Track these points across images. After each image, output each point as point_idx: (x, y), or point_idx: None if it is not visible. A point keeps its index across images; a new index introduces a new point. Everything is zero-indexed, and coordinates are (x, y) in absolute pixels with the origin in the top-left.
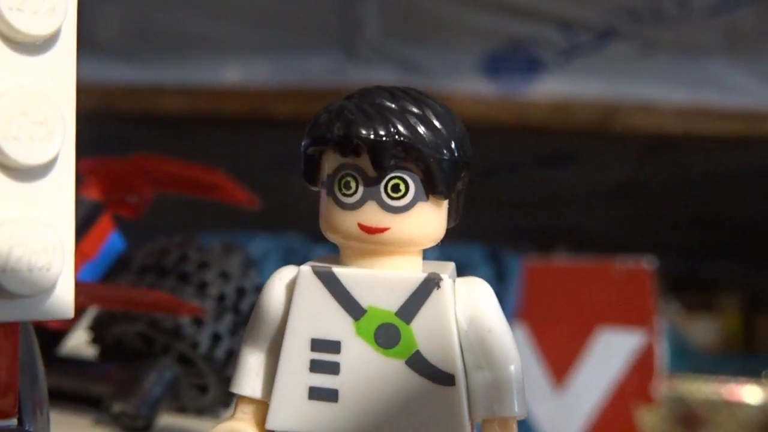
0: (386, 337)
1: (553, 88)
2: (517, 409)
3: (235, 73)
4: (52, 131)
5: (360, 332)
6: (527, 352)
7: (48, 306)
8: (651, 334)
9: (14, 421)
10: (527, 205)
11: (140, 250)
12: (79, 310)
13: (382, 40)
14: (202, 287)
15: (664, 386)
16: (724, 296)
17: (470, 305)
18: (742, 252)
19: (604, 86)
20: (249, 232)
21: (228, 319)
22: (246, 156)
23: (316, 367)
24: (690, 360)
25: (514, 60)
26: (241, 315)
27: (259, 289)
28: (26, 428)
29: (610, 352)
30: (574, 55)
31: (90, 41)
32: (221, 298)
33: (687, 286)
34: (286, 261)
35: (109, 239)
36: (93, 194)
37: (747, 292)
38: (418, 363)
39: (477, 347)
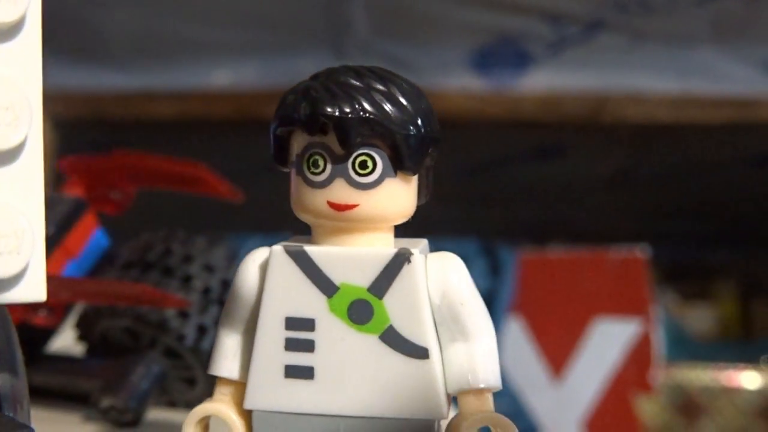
0: (359, 313)
1: (543, 81)
2: (492, 381)
3: (224, 76)
4: (18, 116)
5: (333, 309)
6: (524, 345)
7: (19, 289)
8: (647, 323)
9: None
10: (520, 198)
11: (124, 246)
12: (65, 306)
13: (370, 38)
14: (187, 280)
15: (662, 375)
16: (719, 283)
17: (442, 279)
18: (737, 239)
19: (593, 78)
20: (242, 233)
21: (213, 311)
22: (237, 159)
23: (291, 345)
24: (687, 348)
25: (503, 54)
26: None
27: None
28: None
29: (607, 342)
30: (562, 48)
31: (78, 48)
32: (206, 290)
33: (682, 275)
34: None
35: (93, 237)
36: (76, 192)
37: (742, 279)
38: (391, 338)
39: (450, 321)
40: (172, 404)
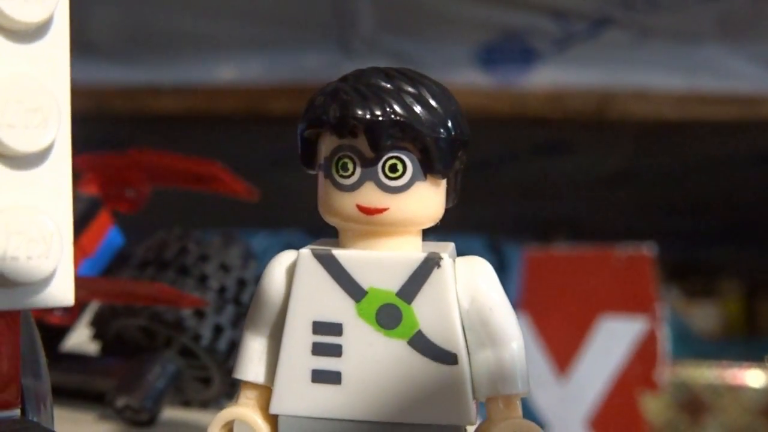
0: (388, 317)
1: (549, 77)
2: (520, 387)
3: (229, 71)
4: (47, 118)
5: (361, 314)
6: (530, 342)
7: (48, 293)
8: (653, 321)
9: (17, 412)
10: (526, 194)
11: (139, 245)
12: (80, 305)
13: (376, 34)
14: (203, 279)
15: (667, 372)
16: (724, 281)
17: (471, 284)
18: (742, 236)
19: (599, 74)
20: (249, 229)
21: (229, 310)
22: (242, 154)
23: (318, 349)
24: (692, 346)
25: (508, 50)
26: (243, 306)
27: (259, 279)
28: (29, 419)
29: (613, 340)
30: (568, 44)
31: (83, 42)
32: (222, 290)
33: (687, 272)
34: None
35: (108, 235)
36: (91, 190)
37: (747, 277)
38: (420, 343)
39: (479, 326)
40: (187, 404)
